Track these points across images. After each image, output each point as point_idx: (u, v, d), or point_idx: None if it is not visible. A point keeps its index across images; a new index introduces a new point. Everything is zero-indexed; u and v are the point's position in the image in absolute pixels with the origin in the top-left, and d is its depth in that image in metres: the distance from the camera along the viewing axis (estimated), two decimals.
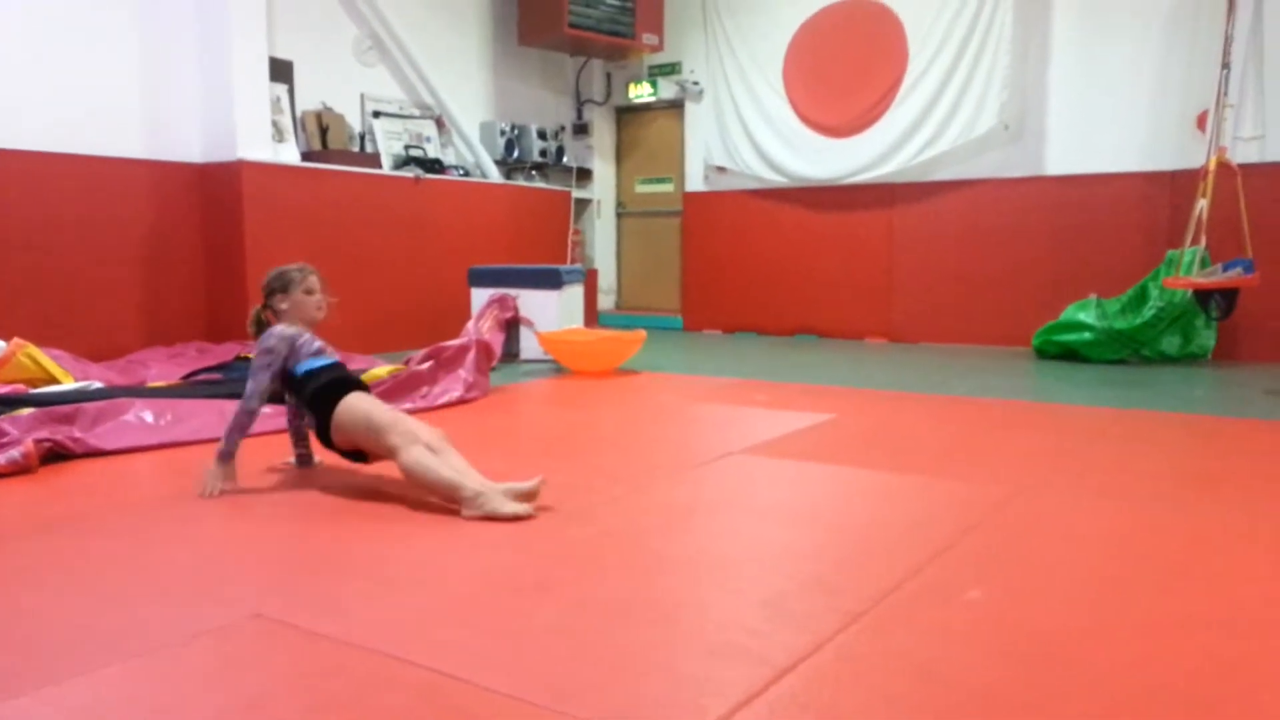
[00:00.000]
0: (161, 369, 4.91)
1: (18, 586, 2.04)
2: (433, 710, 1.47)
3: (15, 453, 3.03)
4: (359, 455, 2.84)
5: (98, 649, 1.70)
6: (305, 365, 2.86)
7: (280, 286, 2.96)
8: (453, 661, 1.63)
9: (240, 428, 2.82)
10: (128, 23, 5.56)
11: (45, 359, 4.11)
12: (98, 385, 4.03)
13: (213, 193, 5.86)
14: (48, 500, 2.78)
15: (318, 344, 2.93)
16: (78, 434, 3.32)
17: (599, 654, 1.67)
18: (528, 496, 2.55)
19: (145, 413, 3.59)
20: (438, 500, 2.62)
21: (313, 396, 2.83)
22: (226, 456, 2.80)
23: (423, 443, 2.65)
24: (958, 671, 1.60)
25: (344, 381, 2.85)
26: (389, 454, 2.67)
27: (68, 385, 3.99)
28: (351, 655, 1.66)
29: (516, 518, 2.48)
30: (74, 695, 1.53)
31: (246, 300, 5.73)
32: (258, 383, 2.82)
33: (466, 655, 1.66)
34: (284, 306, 2.94)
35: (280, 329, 2.89)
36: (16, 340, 4.09)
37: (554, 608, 1.88)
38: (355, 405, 2.77)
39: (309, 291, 2.95)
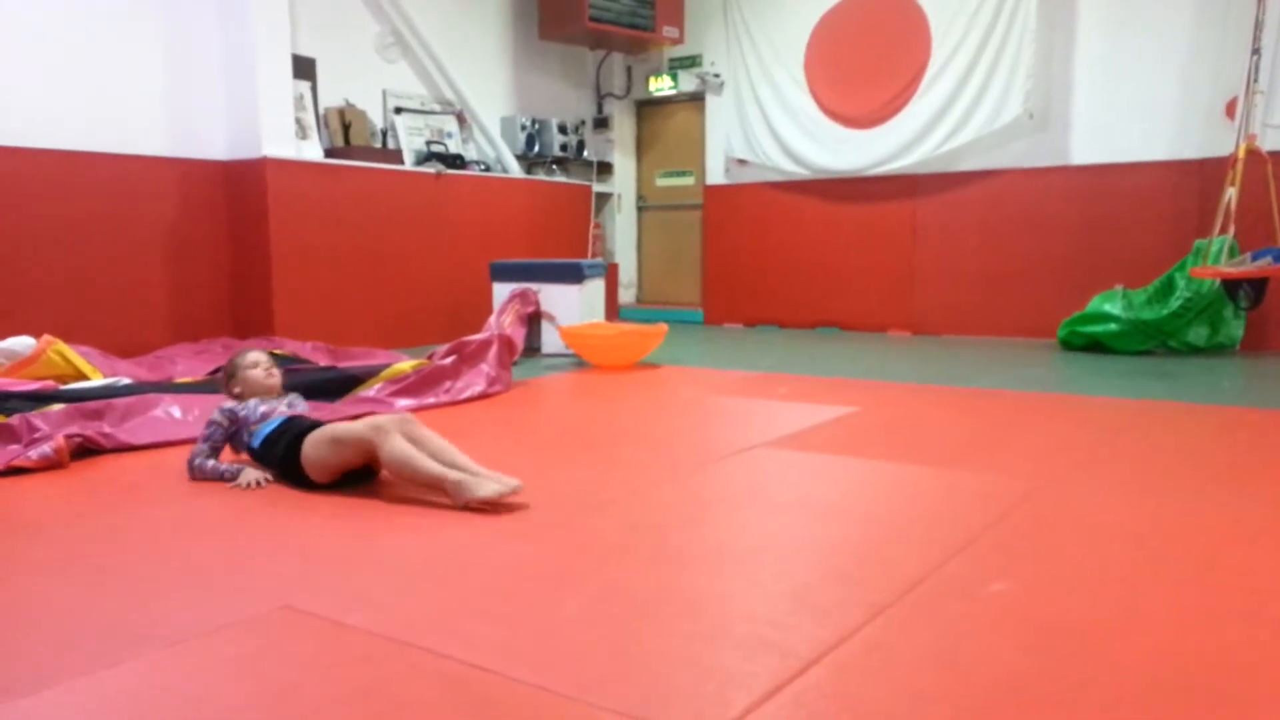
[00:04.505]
0: (188, 365, 4.97)
1: (49, 579, 2.08)
2: (460, 700, 1.48)
3: (46, 448, 3.08)
4: (344, 481, 2.82)
5: (128, 640, 1.72)
6: (259, 436, 2.93)
7: (229, 374, 3.14)
8: (480, 652, 1.64)
9: (204, 478, 2.92)
10: (151, 22, 5.60)
11: (74, 355, 4.16)
12: (126, 381, 4.08)
13: (238, 190, 5.91)
14: (78, 494, 2.82)
15: (263, 408, 3.01)
16: (107, 429, 3.37)
17: (624, 646, 1.67)
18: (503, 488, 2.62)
19: (173, 408, 3.64)
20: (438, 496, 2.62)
21: (279, 463, 2.86)
22: (231, 477, 2.89)
23: (399, 433, 2.68)
24: (983, 663, 1.59)
25: (298, 434, 2.85)
26: (373, 452, 2.68)
27: (96, 381, 4.04)
28: (379, 646, 1.68)
29: (497, 498, 2.51)
30: (105, 686, 1.55)
31: (272, 296, 5.81)
32: (201, 441, 2.97)
33: (493, 646, 1.67)
34: (238, 390, 3.10)
35: (221, 406, 3.04)
36: (46, 337, 4.15)
37: (579, 600, 1.89)
38: (315, 438, 2.79)
39: (253, 366, 3.10)
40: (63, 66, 5.24)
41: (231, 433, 3.02)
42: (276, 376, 3.13)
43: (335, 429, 2.78)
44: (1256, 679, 1.53)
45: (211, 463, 2.94)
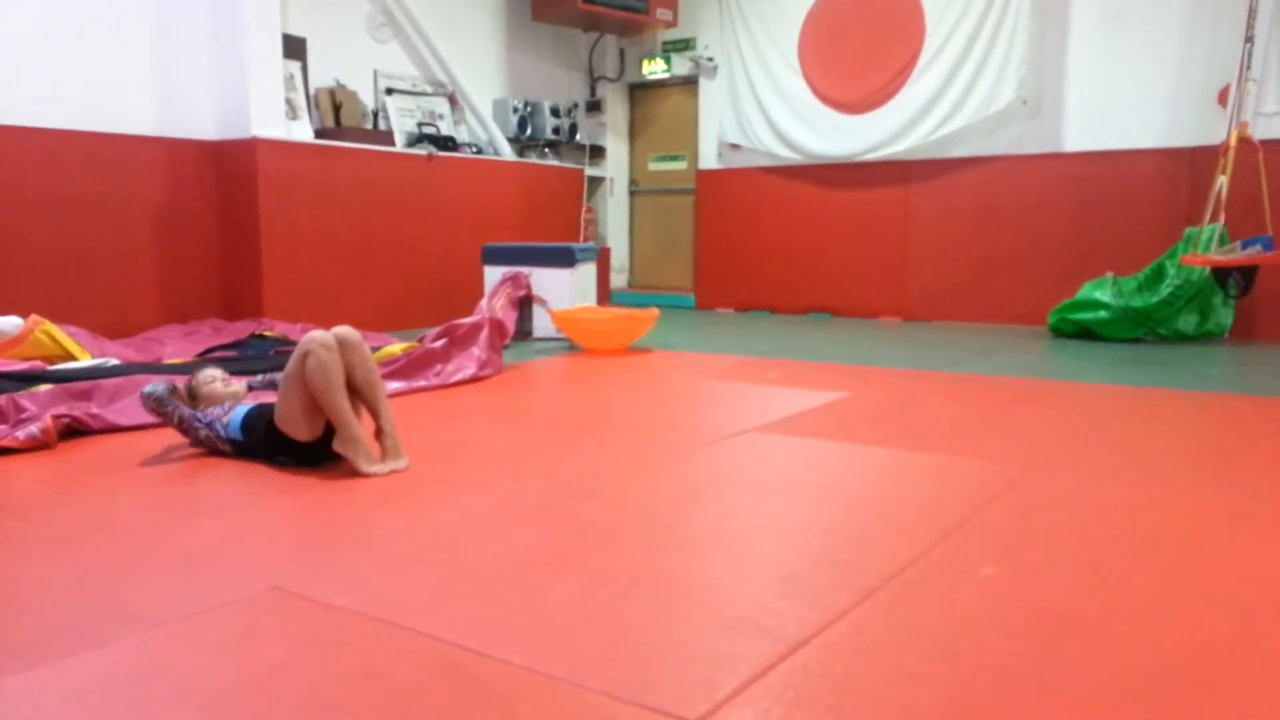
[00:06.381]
0: (177, 346, 4.95)
1: (37, 560, 2.07)
2: (450, 682, 1.48)
3: (34, 428, 3.06)
4: (318, 446, 2.82)
5: (116, 621, 1.72)
6: (234, 424, 2.92)
7: (191, 397, 3.10)
8: (470, 635, 1.64)
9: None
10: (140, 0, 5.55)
11: (63, 336, 4.14)
12: (114, 362, 4.06)
13: (227, 170, 5.87)
14: (66, 475, 2.81)
15: (229, 403, 3.03)
16: (95, 410, 3.35)
17: (614, 629, 1.68)
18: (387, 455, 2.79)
19: None
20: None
21: (263, 439, 2.86)
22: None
23: (325, 350, 2.70)
24: (970, 647, 1.60)
25: (261, 411, 2.91)
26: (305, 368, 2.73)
27: (85, 362, 4.02)
28: (369, 628, 1.68)
29: (367, 474, 2.70)
30: (93, 666, 1.55)
31: (261, 278, 5.78)
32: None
33: (484, 629, 1.67)
34: (202, 407, 3.06)
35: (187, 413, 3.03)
36: (34, 317, 4.12)
37: (569, 583, 1.90)
38: (278, 394, 2.85)
39: (210, 381, 3.10)
40: (50, 44, 5.18)
41: (201, 434, 2.99)
42: (235, 384, 3.14)
43: (285, 378, 2.81)
44: (1243, 664, 1.55)
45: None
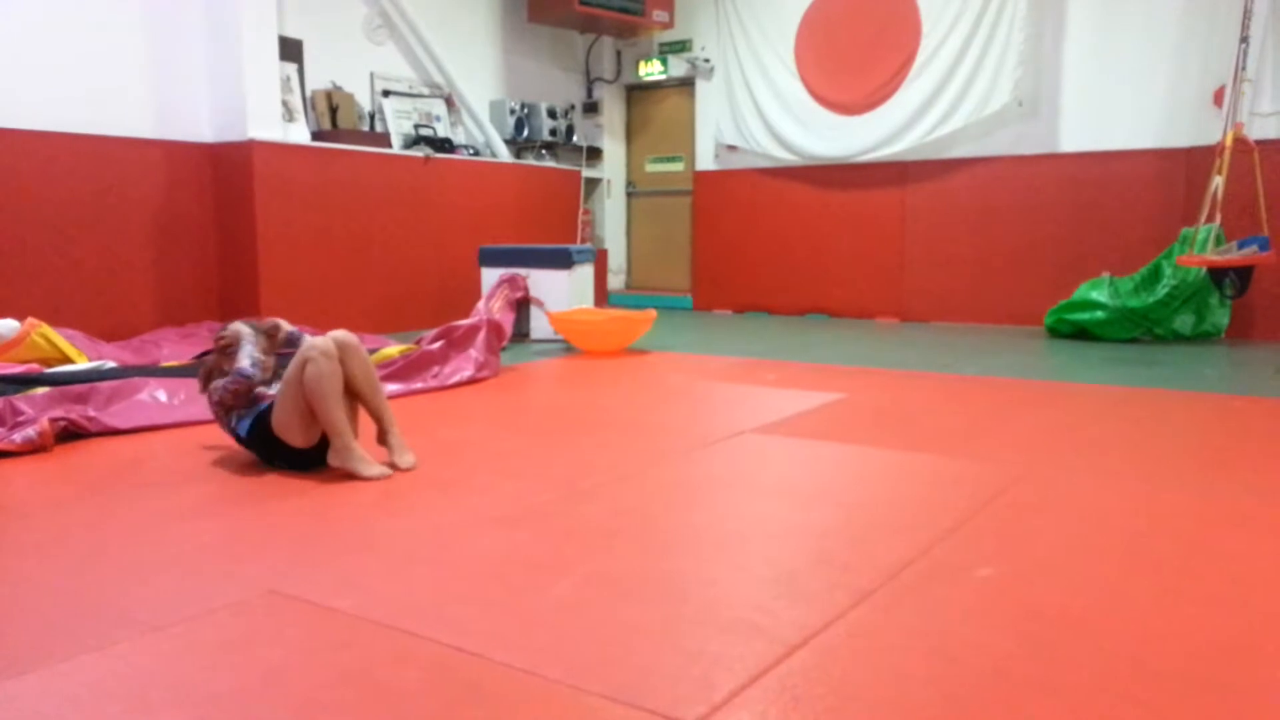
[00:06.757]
0: (174, 349, 4.94)
1: (34, 563, 2.07)
2: (447, 684, 1.48)
3: (31, 431, 3.06)
4: (314, 452, 2.81)
5: (112, 624, 1.72)
6: (244, 424, 2.90)
7: (222, 352, 3.05)
8: (467, 637, 1.64)
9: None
10: (137, 2, 5.54)
11: (59, 339, 4.13)
12: (111, 365, 4.05)
13: (224, 172, 5.86)
14: (63, 478, 2.81)
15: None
16: (92, 413, 3.35)
17: (611, 630, 1.68)
18: (393, 465, 2.80)
19: (159, 392, 3.62)
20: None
21: (261, 443, 2.86)
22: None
23: (325, 359, 2.68)
24: (968, 648, 1.60)
25: (263, 416, 2.89)
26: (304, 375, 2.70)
27: (82, 365, 4.01)
28: (366, 630, 1.68)
29: (368, 477, 2.69)
30: (90, 670, 1.55)
31: (258, 280, 5.77)
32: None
33: (480, 631, 1.67)
34: (226, 366, 3.03)
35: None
36: (31, 320, 4.11)
37: (566, 585, 1.90)
38: (276, 402, 2.82)
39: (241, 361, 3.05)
40: (47, 47, 5.17)
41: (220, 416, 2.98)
42: (267, 367, 3.05)
43: (283, 382, 2.78)
44: (1243, 664, 1.55)
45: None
